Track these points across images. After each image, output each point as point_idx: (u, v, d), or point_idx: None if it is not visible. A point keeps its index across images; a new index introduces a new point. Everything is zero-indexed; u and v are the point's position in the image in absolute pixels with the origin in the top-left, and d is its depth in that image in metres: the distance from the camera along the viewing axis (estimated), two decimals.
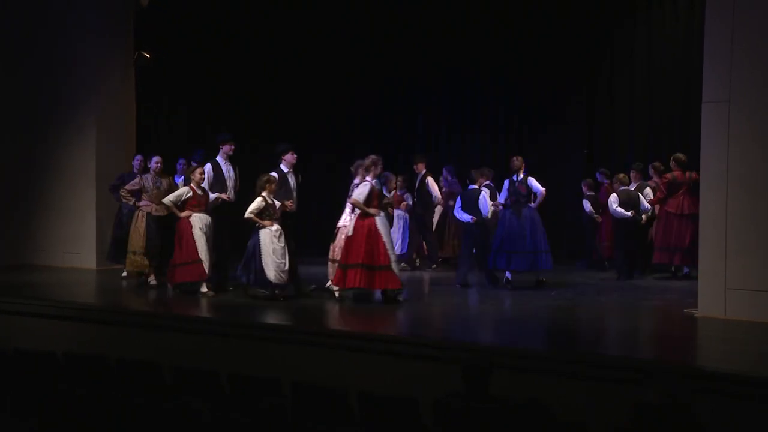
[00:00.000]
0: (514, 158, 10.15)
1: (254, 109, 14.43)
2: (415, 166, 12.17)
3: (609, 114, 13.27)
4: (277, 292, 9.01)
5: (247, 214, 8.94)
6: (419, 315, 8.56)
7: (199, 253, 9.23)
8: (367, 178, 8.80)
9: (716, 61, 7.95)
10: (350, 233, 8.73)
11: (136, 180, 10.38)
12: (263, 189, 9.00)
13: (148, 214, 10.22)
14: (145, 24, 12.55)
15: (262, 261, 8.87)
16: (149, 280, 10.19)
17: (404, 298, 8.96)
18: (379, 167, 8.90)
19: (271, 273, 8.87)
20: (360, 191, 8.74)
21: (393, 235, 10.48)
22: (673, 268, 10.93)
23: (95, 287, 10.91)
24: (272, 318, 8.60)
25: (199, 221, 9.34)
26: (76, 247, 12.18)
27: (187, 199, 9.37)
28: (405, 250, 11.79)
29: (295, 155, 9.46)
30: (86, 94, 12.19)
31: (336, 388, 5.07)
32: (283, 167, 9.38)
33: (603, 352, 7.02)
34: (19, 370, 6.03)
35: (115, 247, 10.94)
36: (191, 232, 9.27)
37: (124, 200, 10.43)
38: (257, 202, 8.96)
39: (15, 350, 6.25)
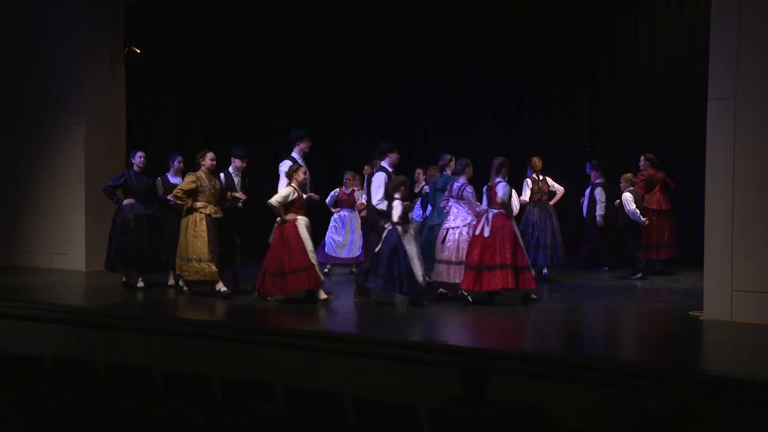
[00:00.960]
0: (536, 158, 10.86)
1: (250, 106, 14.47)
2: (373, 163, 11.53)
3: (611, 111, 13.28)
4: (423, 298, 8.85)
5: (396, 220, 8.72)
6: (417, 318, 8.55)
7: (310, 258, 8.90)
8: (499, 179, 8.89)
9: (723, 57, 7.95)
10: (486, 233, 8.71)
11: (193, 178, 9.36)
12: (397, 191, 8.85)
13: (208, 216, 9.36)
14: (135, 18, 12.52)
15: (410, 263, 8.66)
16: (219, 288, 9.38)
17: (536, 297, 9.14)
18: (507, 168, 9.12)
19: (419, 275, 8.71)
20: (505, 191, 8.84)
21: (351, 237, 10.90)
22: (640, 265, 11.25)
23: (84, 289, 10.89)
24: (265, 321, 8.59)
25: (304, 224, 9.02)
26: (64, 248, 12.15)
27: (293, 200, 8.96)
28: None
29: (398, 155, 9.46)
30: (74, 90, 12.13)
31: (331, 394, 5.07)
32: (384, 167, 9.23)
33: (605, 356, 7.03)
34: (4, 374, 6.02)
35: (122, 254, 10.08)
36: (299, 236, 8.87)
37: (180, 202, 9.40)
38: (401, 206, 8.78)
39: (0, 354, 6.24)
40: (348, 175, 11.62)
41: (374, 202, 9.07)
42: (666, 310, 8.73)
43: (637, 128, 13.02)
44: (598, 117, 13.43)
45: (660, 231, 11.11)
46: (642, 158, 11.27)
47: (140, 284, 10.10)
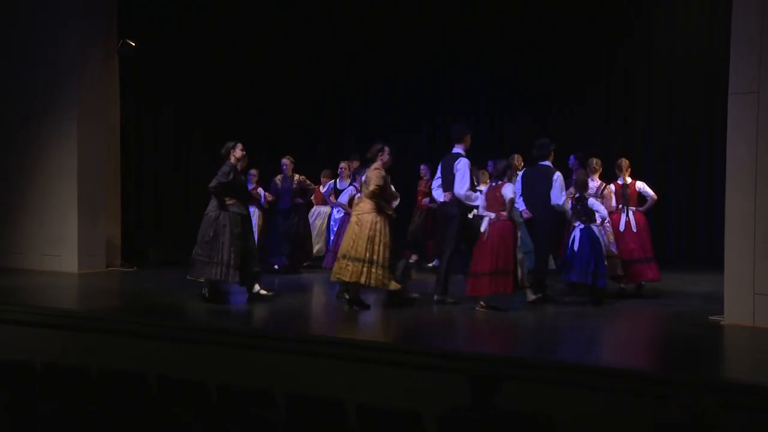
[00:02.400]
0: (518, 156, 10.95)
1: (250, 106, 14.50)
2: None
3: (626, 108, 13.27)
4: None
5: (601, 217, 9.13)
6: (422, 322, 8.55)
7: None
8: (630, 179, 9.77)
9: (744, 49, 7.90)
10: (635, 229, 9.56)
11: (382, 173, 8.70)
12: (585, 189, 9.20)
13: (389, 217, 8.72)
14: (133, 15, 12.53)
15: (604, 259, 9.08)
16: (410, 295, 8.97)
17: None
18: None
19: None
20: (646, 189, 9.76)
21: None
22: None
23: (77, 292, 10.89)
24: (265, 324, 8.59)
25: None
26: (56, 250, 12.11)
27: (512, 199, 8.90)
28: None
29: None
30: (66, 85, 12.08)
31: (333, 400, 5.06)
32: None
33: (620, 363, 7.00)
34: None
35: (238, 262, 9.02)
36: (517, 237, 8.82)
37: (374, 200, 8.68)
38: (597, 203, 9.16)
39: None
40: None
41: (559, 201, 9.15)
42: (684, 315, 8.68)
43: (653, 125, 13.00)
44: (612, 114, 13.41)
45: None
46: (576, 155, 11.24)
47: (263, 292, 9.19)
